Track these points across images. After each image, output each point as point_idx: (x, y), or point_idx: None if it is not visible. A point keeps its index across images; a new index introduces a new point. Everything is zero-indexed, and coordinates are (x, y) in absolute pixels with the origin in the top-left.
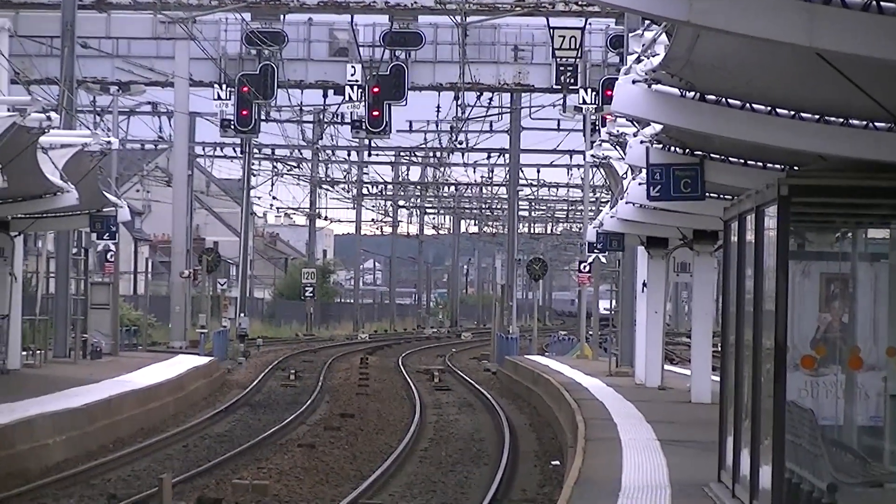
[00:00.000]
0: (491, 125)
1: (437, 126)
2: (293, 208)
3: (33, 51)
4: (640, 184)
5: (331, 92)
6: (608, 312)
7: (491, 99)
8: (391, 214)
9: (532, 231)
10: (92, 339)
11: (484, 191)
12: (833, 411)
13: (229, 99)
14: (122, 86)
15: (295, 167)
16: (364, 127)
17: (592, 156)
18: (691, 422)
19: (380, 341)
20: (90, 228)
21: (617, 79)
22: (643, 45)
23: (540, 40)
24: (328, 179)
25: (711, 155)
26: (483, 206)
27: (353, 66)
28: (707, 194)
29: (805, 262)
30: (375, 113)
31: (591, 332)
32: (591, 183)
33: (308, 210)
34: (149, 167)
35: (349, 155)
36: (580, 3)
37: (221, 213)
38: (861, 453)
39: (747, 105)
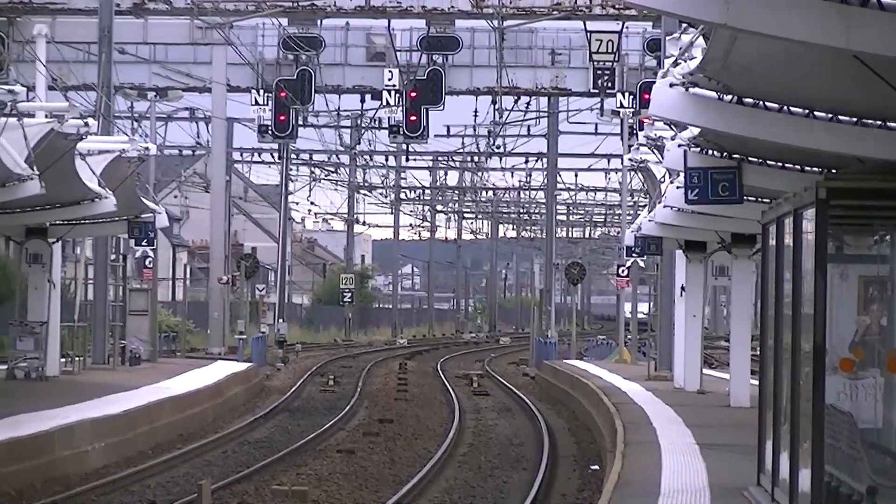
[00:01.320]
0: (528, 129)
1: (474, 130)
2: (331, 213)
3: (71, 57)
4: (677, 187)
5: (368, 96)
6: (645, 316)
7: (528, 103)
8: (429, 219)
9: (570, 235)
10: (130, 345)
11: (522, 195)
12: (872, 414)
13: (267, 104)
14: (159, 91)
15: (333, 172)
16: (402, 131)
17: (630, 159)
18: (730, 425)
19: (418, 346)
20: (128, 234)
21: (654, 82)
22: (680, 49)
23: (577, 44)
24: (366, 184)
25: (749, 158)
26: (521, 211)
27: (390, 71)
28: (745, 197)
29: (843, 265)
30: (413, 117)
31: (629, 337)
32: (629, 187)
33: (346, 215)
34: (187, 173)
35: (387, 160)
36: (617, 6)
37: (259, 219)
38: None
39: (785, 108)
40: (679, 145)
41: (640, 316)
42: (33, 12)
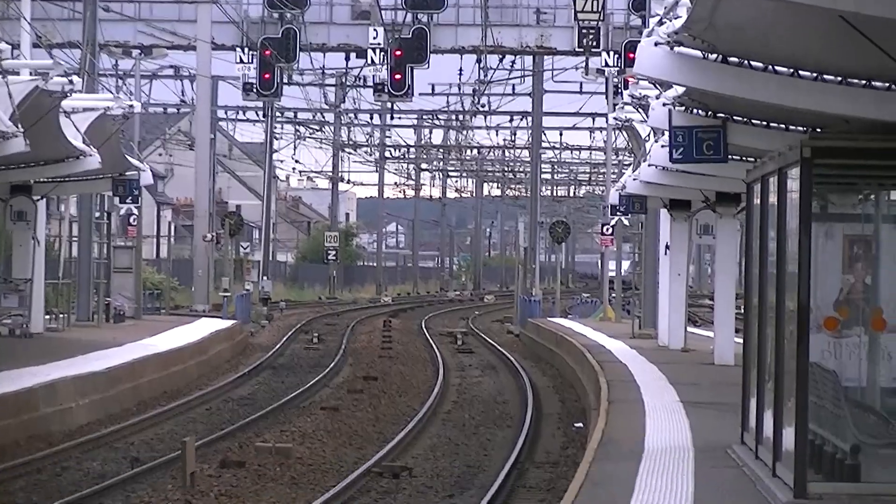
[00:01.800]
0: (513, 88)
1: (459, 89)
2: (316, 172)
3: (55, 14)
4: (662, 146)
5: (353, 55)
6: (625, 274)
7: (513, 62)
8: (414, 177)
9: (555, 194)
10: (115, 302)
11: (506, 154)
12: (856, 373)
13: (251, 62)
14: (144, 49)
15: (317, 130)
16: (386, 90)
17: (615, 118)
18: (714, 384)
19: (403, 304)
20: (113, 192)
21: (639, 41)
22: (665, 7)
23: (562, 3)
24: (351, 143)
25: (734, 117)
26: (506, 169)
27: (375, 29)
28: (730, 156)
29: (828, 224)
30: (398, 76)
31: (614, 295)
32: (614, 145)
33: (331, 173)
34: (171, 131)
35: (371, 118)
36: None
37: (244, 177)
38: (884, 414)
39: (770, 67)
40: (664, 104)
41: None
42: None
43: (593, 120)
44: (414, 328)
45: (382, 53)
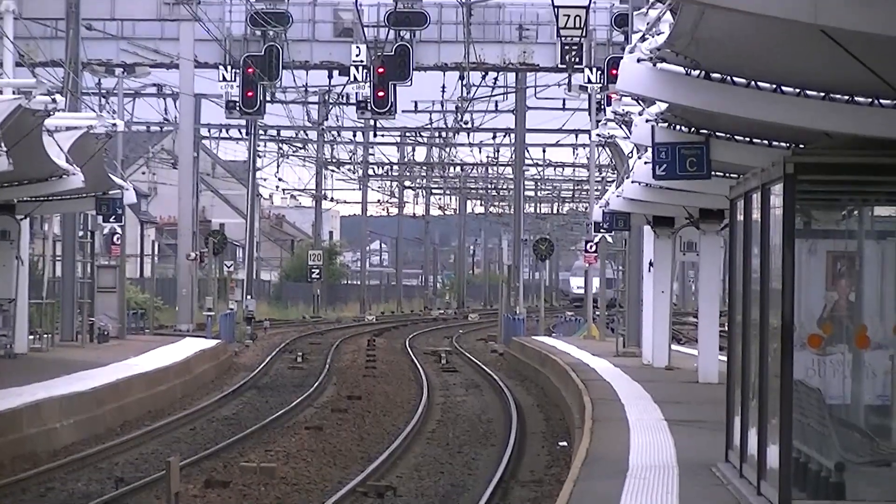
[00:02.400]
0: (496, 105)
1: (442, 106)
2: (299, 190)
3: (38, 33)
4: (645, 163)
5: (336, 72)
6: (610, 292)
7: (496, 78)
8: (397, 195)
9: (538, 211)
10: (99, 322)
11: (490, 171)
12: (840, 390)
13: (234, 80)
14: (127, 68)
15: (300, 148)
16: (369, 107)
17: (598, 135)
18: (699, 402)
19: (387, 323)
20: (96, 211)
21: (622, 57)
22: (648, 23)
23: (545, 19)
24: (334, 160)
25: (717, 133)
26: (489, 186)
27: (357, 47)
28: (713, 173)
29: (811, 241)
30: (380, 93)
31: (598, 313)
32: (597, 162)
33: (314, 191)
34: (154, 149)
35: (355, 136)
36: None
37: (227, 195)
38: (868, 432)
39: (753, 83)
40: (647, 120)
41: (577, 292)
42: None
43: (576, 136)
44: (398, 347)
45: (365, 71)
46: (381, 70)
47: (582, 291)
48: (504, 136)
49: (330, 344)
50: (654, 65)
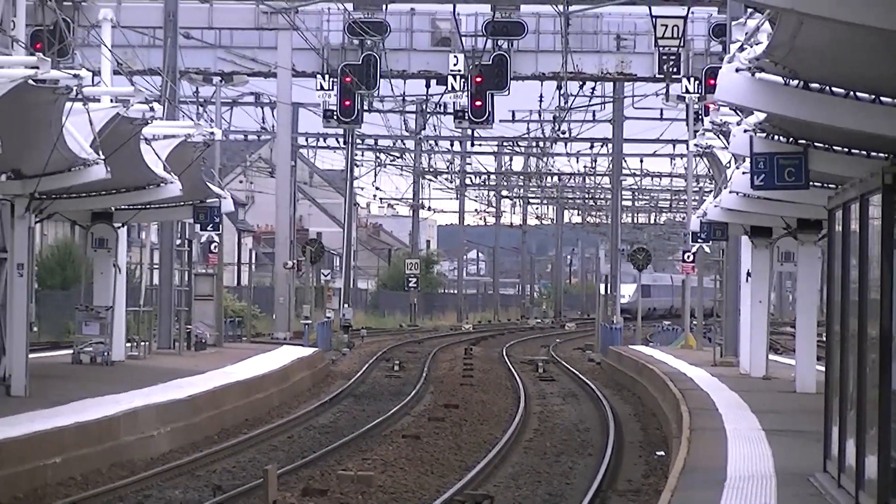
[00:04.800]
0: (594, 114)
1: (539, 116)
2: (396, 199)
3: (136, 41)
4: (743, 173)
5: (433, 82)
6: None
7: (594, 88)
8: (494, 204)
9: (635, 221)
10: (196, 330)
11: (587, 180)
12: None
13: (332, 89)
14: (224, 76)
15: (398, 157)
16: (467, 117)
17: (696, 145)
18: (796, 411)
19: (483, 332)
20: (194, 219)
21: (720, 67)
22: (746, 33)
23: (642, 29)
24: (431, 170)
25: (815, 143)
26: (586, 196)
27: (455, 56)
28: (811, 183)
29: None
30: (478, 103)
31: (695, 322)
32: (695, 172)
33: (411, 200)
34: (252, 158)
35: (452, 145)
36: None
37: (324, 204)
38: None
39: (851, 93)
40: (745, 130)
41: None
42: None
43: (674, 146)
44: (495, 356)
45: (463, 80)
46: (478, 79)
47: (629, 301)
48: (601, 146)
49: (427, 353)
50: (753, 75)
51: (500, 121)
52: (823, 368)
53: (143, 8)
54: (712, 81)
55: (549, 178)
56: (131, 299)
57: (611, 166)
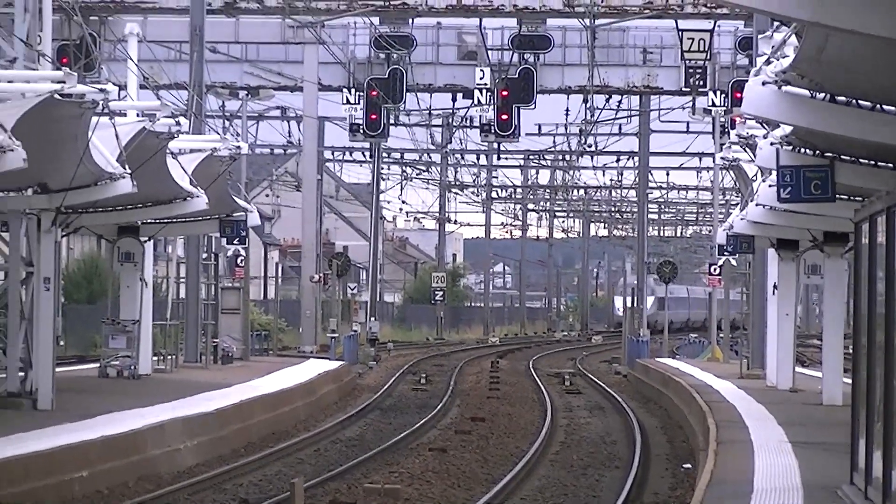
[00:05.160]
0: (620, 128)
1: (565, 129)
2: (422, 212)
3: (162, 56)
4: (770, 186)
5: (459, 95)
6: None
7: (620, 101)
8: (520, 218)
9: (662, 234)
10: (223, 343)
11: (613, 193)
12: None
13: (358, 103)
14: (250, 90)
15: (424, 171)
16: (493, 130)
17: (722, 158)
18: (823, 424)
19: (510, 345)
20: (220, 233)
21: (746, 81)
22: (773, 47)
23: (669, 43)
24: (457, 183)
25: (842, 156)
26: (612, 209)
27: (481, 70)
28: (837, 196)
29: None
30: (504, 116)
31: (721, 335)
32: (721, 185)
33: (437, 214)
34: (278, 172)
35: (478, 158)
36: (709, 5)
37: (351, 218)
38: None
39: (878, 106)
40: (771, 143)
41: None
42: (125, 11)
43: (700, 160)
44: (521, 369)
45: (489, 94)
46: (504, 93)
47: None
48: (628, 159)
49: (453, 366)
50: (779, 88)
51: (527, 134)
52: (850, 381)
53: (169, 22)
54: (739, 94)
55: (575, 192)
56: (158, 313)
57: (637, 179)
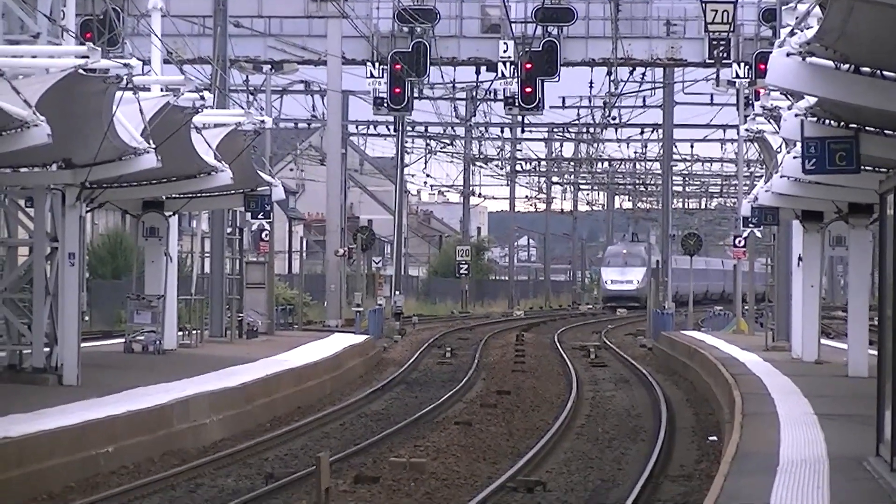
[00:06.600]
0: (644, 100)
1: (590, 102)
2: (447, 186)
3: (186, 30)
4: (794, 157)
5: (483, 69)
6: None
7: (644, 74)
8: (545, 191)
9: (686, 206)
10: (248, 318)
11: (637, 166)
12: None
13: (382, 77)
14: (274, 65)
15: (448, 144)
16: (517, 103)
17: (746, 130)
18: (848, 396)
19: (535, 318)
20: (244, 208)
21: (770, 52)
22: (797, 18)
23: (692, 14)
24: (481, 156)
25: (866, 127)
26: (637, 182)
27: (505, 43)
28: (862, 167)
29: None
30: (528, 89)
31: (746, 307)
32: (745, 157)
33: (462, 187)
34: (302, 146)
35: (502, 132)
36: None
37: (375, 192)
38: None
39: None
40: (796, 115)
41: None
42: None
43: (724, 132)
44: (546, 342)
45: (513, 67)
46: (528, 66)
47: (618, 287)
48: (652, 132)
49: (478, 339)
50: (804, 59)
51: (551, 107)
52: (876, 352)
53: None
54: (763, 66)
55: (599, 164)
56: (182, 288)
57: (661, 152)
